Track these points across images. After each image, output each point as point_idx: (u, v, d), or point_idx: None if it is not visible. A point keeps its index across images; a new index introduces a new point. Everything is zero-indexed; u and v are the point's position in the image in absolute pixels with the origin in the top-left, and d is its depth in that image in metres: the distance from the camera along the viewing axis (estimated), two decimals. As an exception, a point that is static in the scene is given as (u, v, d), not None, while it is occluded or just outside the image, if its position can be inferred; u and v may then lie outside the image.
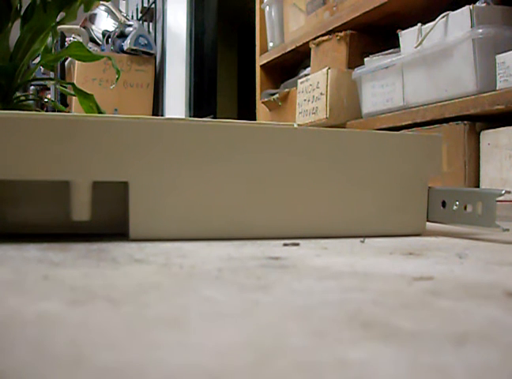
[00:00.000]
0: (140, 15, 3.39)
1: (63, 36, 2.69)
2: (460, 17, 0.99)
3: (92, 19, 3.09)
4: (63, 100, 2.57)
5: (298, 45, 1.60)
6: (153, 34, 3.27)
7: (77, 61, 2.69)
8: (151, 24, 3.35)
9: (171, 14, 3.18)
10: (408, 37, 1.13)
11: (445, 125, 1.02)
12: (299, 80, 1.48)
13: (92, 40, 3.03)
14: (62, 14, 1.02)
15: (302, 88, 1.45)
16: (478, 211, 0.48)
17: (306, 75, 1.53)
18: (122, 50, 2.97)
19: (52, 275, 0.28)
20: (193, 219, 0.45)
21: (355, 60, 1.35)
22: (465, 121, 0.97)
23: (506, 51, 0.91)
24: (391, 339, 0.18)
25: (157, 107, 3.16)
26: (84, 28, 2.99)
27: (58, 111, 1.23)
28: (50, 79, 1.78)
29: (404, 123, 1.12)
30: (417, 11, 1.23)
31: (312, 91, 1.39)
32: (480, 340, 0.18)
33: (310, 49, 1.51)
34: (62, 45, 2.55)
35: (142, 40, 2.96)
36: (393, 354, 0.17)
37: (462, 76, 0.99)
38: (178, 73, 3.08)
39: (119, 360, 0.15)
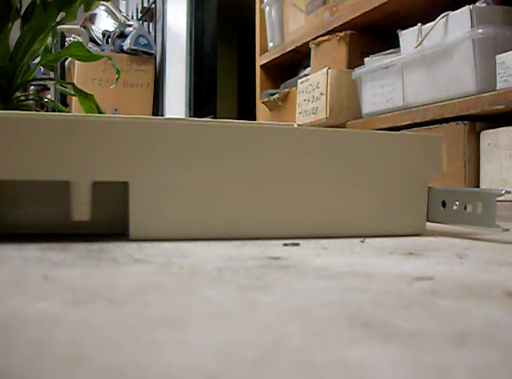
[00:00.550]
0: (140, 15, 3.39)
1: (63, 36, 2.69)
2: (460, 17, 0.99)
3: (92, 19, 3.10)
4: (63, 100, 2.57)
5: (298, 45, 1.60)
6: (153, 34, 3.27)
7: (77, 61, 2.69)
8: (151, 24, 3.35)
9: (171, 14, 3.18)
10: (408, 37, 1.13)
11: (445, 125, 1.02)
12: (299, 80, 1.48)
13: (92, 40, 3.03)
14: (62, 14, 1.02)
15: (302, 88, 1.45)
16: (478, 211, 0.48)
17: (306, 75, 1.53)
18: (122, 50, 2.97)
19: (52, 275, 0.28)
20: (193, 219, 0.45)
21: (355, 60, 1.35)
22: (465, 121, 0.97)
23: (506, 51, 0.91)
24: (391, 339, 0.18)
25: (157, 107, 3.16)
26: (84, 28, 2.99)
27: (58, 111, 1.23)
28: (50, 79, 1.78)
29: (404, 123, 1.12)
30: (417, 11, 1.23)
31: (312, 91, 1.39)
32: (480, 340, 0.18)
33: (310, 49, 1.51)
34: (62, 45, 2.55)
35: (142, 40, 2.96)
36: (393, 354, 0.17)
37: (462, 77, 0.99)
38: (178, 73, 3.08)
39: (119, 360, 0.15)
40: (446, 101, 1.02)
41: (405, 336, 0.18)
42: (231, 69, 3.43)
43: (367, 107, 1.27)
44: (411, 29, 1.12)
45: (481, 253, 0.40)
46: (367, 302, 0.23)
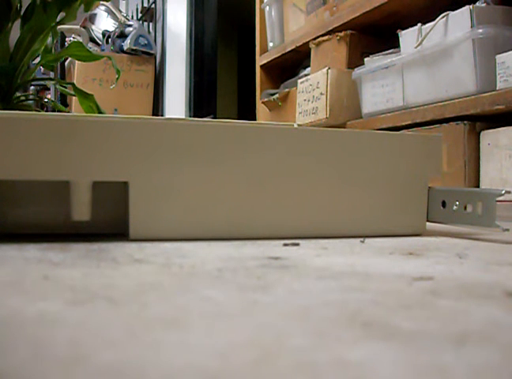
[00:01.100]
0: (140, 15, 3.39)
1: (63, 36, 2.69)
2: (460, 17, 0.99)
3: (92, 19, 3.10)
4: (63, 100, 2.56)
5: (298, 45, 1.60)
6: (153, 34, 3.27)
7: (77, 61, 2.69)
8: (151, 24, 3.35)
9: (171, 14, 3.18)
10: (408, 37, 1.13)
11: (445, 125, 1.02)
12: (299, 80, 1.48)
13: (92, 40, 3.03)
14: (62, 14, 1.02)
15: (302, 88, 1.45)
16: (478, 211, 0.48)
17: (306, 75, 1.53)
18: (122, 50, 2.97)
19: (52, 275, 0.28)
20: (193, 219, 0.45)
21: (355, 60, 1.35)
22: (465, 121, 0.97)
23: (506, 51, 0.91)
24: (391, 339, 0.18)
25: (157, 107, 3.16)
26: (84, 28, 2.99)
27: (58, 111, 1.23)
28: (50, 79, 1.78)
29: (404, 123, 1.12)
30: (417, 11, 1.23)
31: (312, 91, 1.39)
32: (480, 340, 0.18)
33: (310, 49, 1.51)
34: (62, 45, 2.55)
35: (142, 40, 2.96)
36: (393, 354, 0.17)
37: (462, 77, 0.99)
38: (178, 73, 3.08)
39: (119, 360, 0.15)
40: (446, 101, 1.02)
41: (405, 336, 0.18)
42: (231, 69, 3.43)
43: (367, 107, 1.27)
44: (411, 29, 1.12)
45: (481, 253, 0.40)
46: (367, 302, 0.23)
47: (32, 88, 2.66)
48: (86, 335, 0.18)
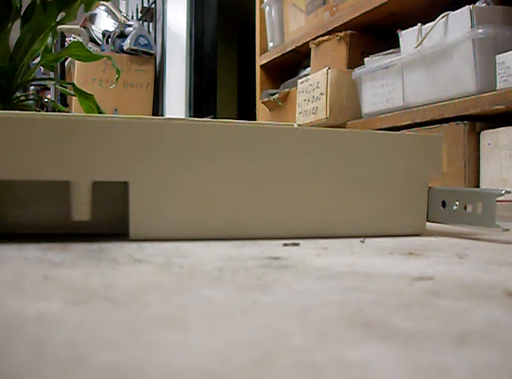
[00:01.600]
0: (140, 15, 3.39)
1: (63, 36, 2.69)
2: (460, 17, 0.99)
3: (92, 19, 3.09)
4: (63, 100, 2.57)
5: (298, 45, 1.60)
6: (153, 34, 3.27)
7: (77, 61, 2.69)
8: (151, 24, 3.35)
9: (171, 14, 3.18)
10: (408, 37, 1.13)
11: (445, 125, 1.02)
12: (299, 80, 1.48)
13: (92, 40, 3.03)
14: (62, 14, 1.02)
15: (302, 88, 1.45)
16: (478, 211, 0.48)
17: (306, 75, 1.53)
18: (122, 50, 2.97)
19: (52, 275, 0.28)
20: (193, 219, 0.45)
21: (355, 60, 1.35)
22: (465, 121, 0.97)
23: (506, 51, 0.91)
24: (391, 339, 0.18)
25: (157, 107, 3.16)
26: (84, 28, 2.99)
27: (58, 111, 1.23)
28: (50, 79, 1.78)
29: (404, 123, 1.12)
30: (417, 11, 1.23)
31: (312, 91, 1.39)
32: (480, 340, 0.18)
33: (310, 49, 1.51)
34: (62, 45, 2.55)
35: (142, 40, 2.96)
36: (393, 354, 0.16)
37: (462, 77, 0.99)
38: (178, 73, 3.08)
39: (119, 360, 0.15)
40: (446, 101, 1.02)
41: (405, 336, 0.18)
42: (231, 69, 3.43)
43: (367, 107, 1.27)
44: (411, 29, 1.12)
45: (481, 253, 0.40)
46: (367, 302, 0.23)
47: (32, 88, 2.66)
48: (86, 335, 0.18)
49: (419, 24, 1.09)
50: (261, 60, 1.87)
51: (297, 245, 0.43)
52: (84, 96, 1.08)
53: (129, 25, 3.02)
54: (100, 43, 3.03)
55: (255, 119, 1.84)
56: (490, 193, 0.47)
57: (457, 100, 0.99)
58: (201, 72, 3.06)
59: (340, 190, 0.49)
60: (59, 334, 0.18)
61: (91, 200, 0.43)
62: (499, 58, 0.92)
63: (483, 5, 1.00)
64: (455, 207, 0.51)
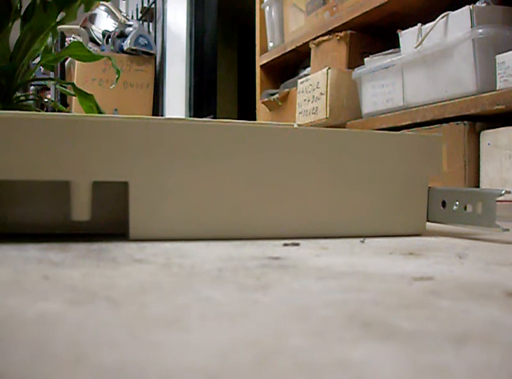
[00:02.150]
0: (140, 15, 3.39)
1: (63, 36, 2.69)
2: (460, 17, 0.99)
3: (92, 19, 3.09)
4: (63, 100, 2.56)
5: (298, 45, 1.60)
6: (153, 34, 3.27)
7: (77, 61, 2.69)
8: (151, 24, 3.35)
9: (171, 14, 3.18)
10: (408, 37, 1.13)
11: (445, 125, 1.02)
12: (299, 80, 1.48)
13: (92, 40, 3.03)
14: (62, 14, 1.02)
15: (302, 88, 1.45)
16: (478, 211, 0.48)
17: (306, 75, 1.53)
18: (122, 50, 2.97)
19: (52, 275, 0.28)
20: (193, 219, 0.45)
21: (355, 60, 1.35)
22: (465, 121, 0.97)
23: (506, 51, 0.91)
24: (391, 338, 0.18)
25: (157, 107, 3.16)
26: (84, 28, 2.99)
27: (58, 111, 1.23)
28: (50, 79, 1.78)
29: (404, 123, 1.12)
30: (417, 11, 1.23)
31: (312, 91, 1.39)
32: (480, 340, 0.18)
33: (310, 49, 1.51)
34: (62, 45, 2.55)
35: (142, 40, 2.96)
36: (393, 354, 0.16)
37: (462, 76, 0.99)
38: (178, 73, 3.08)
39: (119, 360, 0.15)
40: (446, 101, 1.02)
41: (405, 336, 0.18)
42: (231, 69, 3.43)
43: (367, 107, 1.27)
44: (411, 29, 1.12)
45: (481, 253, 0.40)
46: (366, 302, 0.23)
47: (32, 88, 2.66)
48: (86, 335, 0.18)
49: (419, 24, 1.09)
50: (261, 60, 1.87)
51: (297, 245, 0.43)
52: (84, 96, 1.08)
53: (129, 25, 3.02)
54: (100, 43, 3.03)
55: (255, 119, 1.84)
56: (490, 193, 0.47)
57: (457, 100, 0.99)
58: (201, 72, 3.06)
59: (340, 190, 0.49)
60: (59, 334, 0.18)
61: (91, 200, 0.43)
62: (499, 58, 0.92)
63: (483, 5, 0.99)
64: (455, 207, 0.51)
